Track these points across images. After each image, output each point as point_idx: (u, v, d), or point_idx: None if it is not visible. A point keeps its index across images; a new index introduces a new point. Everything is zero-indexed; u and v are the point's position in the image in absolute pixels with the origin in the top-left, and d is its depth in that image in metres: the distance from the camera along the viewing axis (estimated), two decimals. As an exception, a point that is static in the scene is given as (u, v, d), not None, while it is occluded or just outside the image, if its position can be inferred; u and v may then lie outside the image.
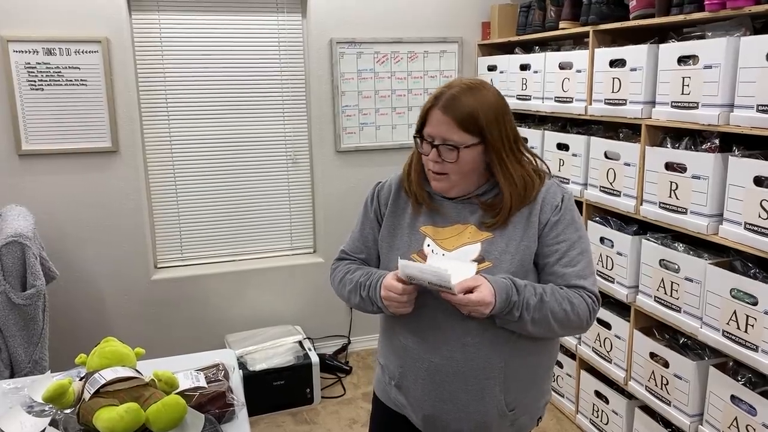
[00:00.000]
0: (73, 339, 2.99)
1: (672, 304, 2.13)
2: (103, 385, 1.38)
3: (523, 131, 2.96)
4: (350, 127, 3.25)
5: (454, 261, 1.32)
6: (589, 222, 2.52)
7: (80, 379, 1.45)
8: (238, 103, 3.16)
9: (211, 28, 3.04)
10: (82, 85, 2.84)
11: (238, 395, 1.67)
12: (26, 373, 2.15)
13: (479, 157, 1.33)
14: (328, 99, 3.20)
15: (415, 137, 1.37)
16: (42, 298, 2.21)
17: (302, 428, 2.80)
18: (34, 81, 2.78)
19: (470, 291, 1.23)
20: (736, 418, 1.90)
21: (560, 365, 2.84)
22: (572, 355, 2.75)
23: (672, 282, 2.11)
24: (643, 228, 2.33)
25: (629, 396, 2.42)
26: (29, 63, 2.75)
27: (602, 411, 2.57)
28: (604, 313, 2.49)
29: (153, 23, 2.97)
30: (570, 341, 2.71)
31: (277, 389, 2.92)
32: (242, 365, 2.90)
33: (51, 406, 1.41)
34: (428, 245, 1.38)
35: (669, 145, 2.14)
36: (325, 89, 3.18)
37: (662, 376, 2.19)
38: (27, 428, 1.37)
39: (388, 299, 1.32)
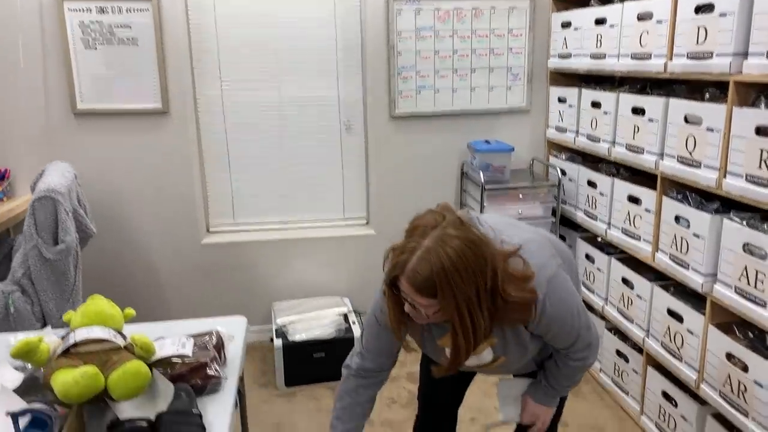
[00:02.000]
0: (126, 299, 3.02)
1: (756, 297, 1.77)
2: (74, 345, 1.30)
3: (597, 95, 2.62)
4: (406, 90, 3.03)
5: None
6: (664, 198, 2.18)
7: (62, 338, 1.38)
8: (292, 65, 3.03)
9: (264, -15, 2.92)
10: (134, 44, 2.81)
11: (233, 365, 1.55)
12: (58, 328, 2.16)
13: None
14: (382, 60, 2.99)
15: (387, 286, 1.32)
16: (73, 254, 2.20)
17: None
18: (88, 40, 2.78)
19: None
20: (827, 440, 1.55)
21: (626, 360, 2.52)
22: (639, 349, 2.42)
23: (757, 271, 1.76)
24: (727, 206, 1.96)
25: (701, 401, 2.09)
26: (83, 22, 2.76)
27: (670, 415, 2.24)
28: (676, 304, 2.15)
29: (205, -19, 2.90)
30: (637, 333, 2.39)
31: (317, 361, 2.81)
32: (283, 334, 2.82)
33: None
34: (448, 352, 1.41)
35: (763, 106, 1.77)
36: (380, 49, 2.98)
37: (740, 382, 1.85)
38: (4, 381, 1.31)
39: None
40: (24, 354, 1.28)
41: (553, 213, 2.93)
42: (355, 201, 3.26)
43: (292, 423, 2.56)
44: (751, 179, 1.76)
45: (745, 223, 1.83)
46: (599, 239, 2.77)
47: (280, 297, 3.20)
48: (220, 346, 1.53)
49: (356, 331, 2.84)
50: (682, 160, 2.08)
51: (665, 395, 2.26)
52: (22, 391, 1.29)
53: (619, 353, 2.58)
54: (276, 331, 2.85)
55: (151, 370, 1.37)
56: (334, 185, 3.23)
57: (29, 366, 1.41)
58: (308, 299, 3.16)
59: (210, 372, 1.41)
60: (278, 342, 2.78)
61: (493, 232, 1.33)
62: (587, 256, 2.79)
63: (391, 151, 3.11)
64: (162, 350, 1.44)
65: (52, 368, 1.23)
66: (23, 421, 1.13)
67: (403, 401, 2.66)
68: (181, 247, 3.09)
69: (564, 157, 3.03)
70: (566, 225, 3.03)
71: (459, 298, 1.22)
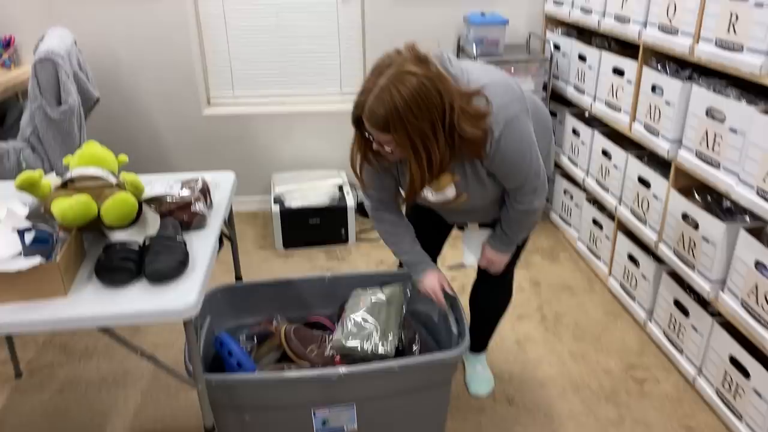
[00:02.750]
0: (132, 166, 3.20)
1: (713, 160, 1.87)
2: (71, 181, 1.46)
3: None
4: (402, -41, 2.99)
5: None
6: (645, 68, 2.22)
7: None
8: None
9: None
10: None
11: (219, 209, 1.71)
12: (67, 184, 2.34)
13: None
14: (379, -74, 2.93)
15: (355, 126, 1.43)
16: (76, 115, 2.34)
17: (332, 263, 2.90)
18: None
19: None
20: (756, 285, 1.70)
21: (600, 227, 2.67)
22: (612, 217, 2.56)
23: (716, 134, 1.84)
24: (704, 75, 2.01)
25: (660, 261, 2.24)
26: None
27: (632, 274, 2.41)
28: (646, 172, 2.26)
29: None
30: (611, 201, 2.52)
31: (312, 227, 3.00)
32: (281, 201, 2.99)
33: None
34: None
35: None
36: None
37: (691, 239, 1.99)
38: (16, 212, 1.49)
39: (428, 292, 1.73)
40: (27, 186, 1.44)
41: (545, 88, 2.97)
42: (352, 77, 3.31)
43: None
44: (720, 44, 1.80)
45: (712, 88, 1.89)
46: (586, 114, 2.83)
47: (280, 169, 3.35)
48: (205, 191, 1.68)
49: (349, 201, 3.01)
50: (662, 28, 2.09)
51: (630, 257, 2.42)
52: (29, 218, 1.47)
53: (595, 222, 2.72)
54: (274, 198, 3.03)
55: (141, 206, 1.55)
56: (332, 59, 3.27)
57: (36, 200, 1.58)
58: (306, 171, 3.31)
59: (194, 210, 1.57)
60: (276, 208, 2.96)
61: (462, 72, 1.41)
62: (574, 131, 2.86)
63: (388, 24, 3.12)
64: (152, 190, 1.61)
65: (51, 198, 1.40)
66: (28, 238, 1.31)
67: (391, 262, 2.87)
68: (184, 118, 3.22)
69: (560, 32, 3.02)
70: (557, 101, 3.08)
71: (412, 133, 1.32)
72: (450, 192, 1.57)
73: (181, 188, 1.64)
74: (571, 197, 2.99)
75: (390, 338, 1.67)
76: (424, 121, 1.31)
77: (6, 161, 2.29)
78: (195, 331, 1.58)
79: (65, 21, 2.92)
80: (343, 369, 1.53)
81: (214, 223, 1.64)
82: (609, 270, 2.62)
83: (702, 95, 1.90)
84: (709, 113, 1.87)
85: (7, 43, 2.89)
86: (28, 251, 1.30)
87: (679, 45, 1.99)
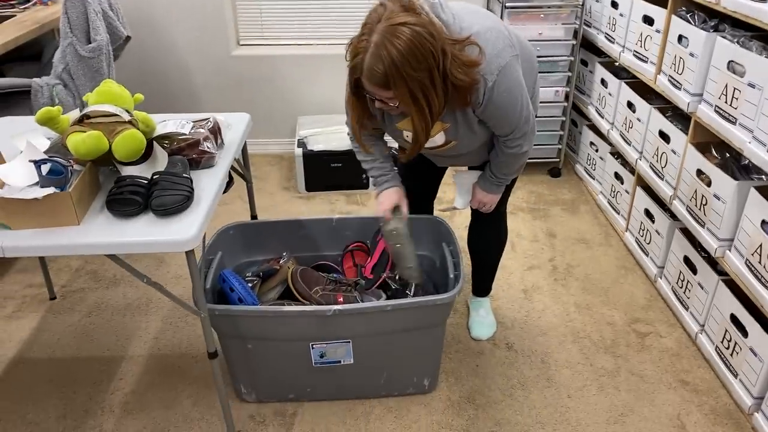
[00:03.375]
0: (161, 100, 3.30)
1: (730, 115, 1.81)
2: (87, 117, 1.54)
3: None
4: None
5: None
6: (673, 17, 2.13)
7: (80, 113, 1.62)
8: None
9: None
10: None
11: (230, 149, 1.77)
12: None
13: None
14: None
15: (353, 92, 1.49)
16: (105, 53, 2.41)
17: (351, 207, 2.96)
18: None
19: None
20: (761, 245, 1.68)
21: (621, 181, 2.64)
22: (632, 170, 2.52)
23: (735, 89, 1.78)
24: (735, 27, 1.94)
25: (674, 217, 2.22)
26: None
27: (647, 230, 2.39)
28: (667, 126, 2.20)
29: None
30: (632, 155, 2.47)
31: (334, 170, 3.05)
32: (304, 145, 3.05)
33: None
34: (407, 135, 1.60)
35: None
36: None
37: (703, 196, 1.96)
38: (35, 144, 1.58)
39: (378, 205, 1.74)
40: (46, 120, 1.53)
41: (575, 36, 2.88)
42: (381, 19, 3.28)
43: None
44: (747, -7, 1.72)
45: (736, 41, 1.81)
46: (617, 64, 2.75)
47: (305, 112, 3.39)
48: (216, 131, 1.75)
49: (372, 144, 3.03)
50: (693, -25, 2.01)
51: (647, 212, 2.40)
52: (48, 152, 1.57)
53: (616, 175, 2.68)
54: (298, 141, 3.08)
55: (152, 143, 1.62)
56: (360, 3, 3.24)
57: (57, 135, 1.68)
58: (330, 115, 3.34)
59: (202, 148, 1.64)
60: (299, 151, 3.02)
61: (454, 18, 1.41)
62: (602, 81, 2.79)
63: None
64: (164, 129, 1.68)
65: (68, 133, 1.48)
66: (45, 169, 1.41)
67: (409, 208, 2.91)
68: (213, 58, 3.27)
69: (596, -24, 2.90)
70: (588, 49, 2.99)
71: (413, 86, 1.33)
72: (439, 139, 1.59)
73: (192, 127, 1.71)
74: (597, 149, 2.95)
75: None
76: (422, 71, 1.32)
77: (40, 96, 2.40)
78: (207, 264, 1.70)
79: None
80: (337, 307, 1.60)
81: (223, 162, 1.71)
82: (626, 225, 2.60)
83: (725, 47, 1.83)
84: (730, 66, 1.81)
85: (44, -19, 2.97)
86: (44, 182, 1.40)
87: (707, -7, 1.91)
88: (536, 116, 1.65)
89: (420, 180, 1.91)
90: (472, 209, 1.89)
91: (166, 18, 3.17)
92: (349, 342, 1.69)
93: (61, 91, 2.41)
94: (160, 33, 3.20)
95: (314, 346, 1.69)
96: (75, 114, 1.61)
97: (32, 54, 2.89)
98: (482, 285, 2.13)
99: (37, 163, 1.40)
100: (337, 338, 1.68)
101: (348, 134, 1.74)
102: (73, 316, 2.24)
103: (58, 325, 2.19)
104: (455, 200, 1.84)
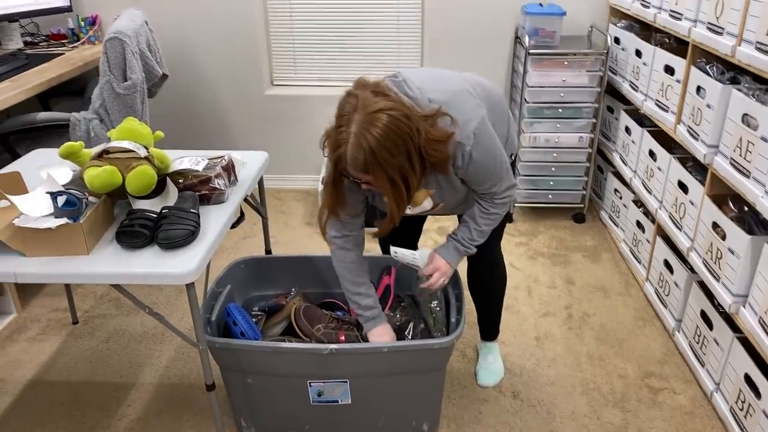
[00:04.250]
0: (194, 137, 3.44)
1: (744, 168, 1.78)
2: (105, 152, 1.62)
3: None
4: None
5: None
6: (692, 68, 2.12)
7: (103, 148, 1.71)
8: None
9: None
10: None
11: (242, 186, 1.84)
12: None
13: None
14: None
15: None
16: (139, 91, 2.54)
17: (370, 245, 2.98)
18: None
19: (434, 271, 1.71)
20: (773, 304, 1.63)
21: (643, 230, 2.59)
22: (653, 219, 2.48)
23: (749, 142, 1.75)
24: (753, 80, 1.91)
25: (691, 269, 2.16)
26: None
27: (666, 281, 2.34)
28: (686, 176, 2.17)
29: None
30: (653, 204, 2.43)
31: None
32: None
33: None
34: None
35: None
36: None
37: (718, 249, 1.91)
38: (57, 177, 1.68)
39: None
40: (68, 154, 1.62)
41: (601, 83, 2.88)
42: (410, 62, 3.36)
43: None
44: (759, 46, 1.70)
45: (751, 94, 1.79)
46: (641, 112, 2.73)
47: (334, 149, 3.46)
48: (229, 168, 1.81)
49: (394, 183, 3.08)
50: (710, 27, 2.00)
51: (666, 263, 2.34)
52: (70, 184, 1.66)
53: (638, 224, 2.64)
54: (322, 178, 3.15)
55: (165, 179, 1.70)
56: (390, 45, 3.33)
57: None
58: (358, 153, 3.40)
59: (213, 185, 1.71)
60: (321, 187, 3.08)
61: (420, 92, 1.46)
62: (626, 128, 2.78)
63: (447, 10, 3.14)
64: (180, 165, 1.76)
65: (86, 167, 1.57)
66: (60, 200, 1.49)
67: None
68: (247, 96, 3.39)
69: (622, 25, 2.92)
70: (614, 96, 2.98)
71: (390, 170, 1.37)
72: (427, 204, 1.65)
73: (207, 165, 1.78)
74: (620, 196, 2.91)
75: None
76: (400, 155, 1.36)
77: (77, 130, 2.54)
78: (215, 296, 1.75)
79: (144, 2, 3.15)
80: (333, 346, 1.62)
81: (234, 199, 1.77)
82: (647, 274, 2.54)
83: (740, 100, 1.81)
84: (745, 119, 1.78)
85: (93, 21, 3.17)
86: (58, 212, 1.48)
87: (723, 45, 1.90)
88: (518, 157, 1.67)
89: (402, 225, 1.91)
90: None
91: (204, 58, 3.33)
92: (346, 382, 1.70)
93: (96, 126, 2.55)
94: (198, 72, 3.36)
95: (312, 384, 1.70)
96: (97, 149, 1.71)
97: (77, 89, 3.07)
98: (488, 329, 2.11)
99: (53, 195, 1.48)
100: (334, 377, 1.69)
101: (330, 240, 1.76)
102: (92, 341, 2.32)
103: (76, 350, 2.27)
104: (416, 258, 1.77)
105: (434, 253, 1.74)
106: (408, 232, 2.06)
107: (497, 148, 1.54)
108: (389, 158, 1.35)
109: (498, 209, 1.66)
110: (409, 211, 1.66)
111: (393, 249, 1.78)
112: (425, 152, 1.40)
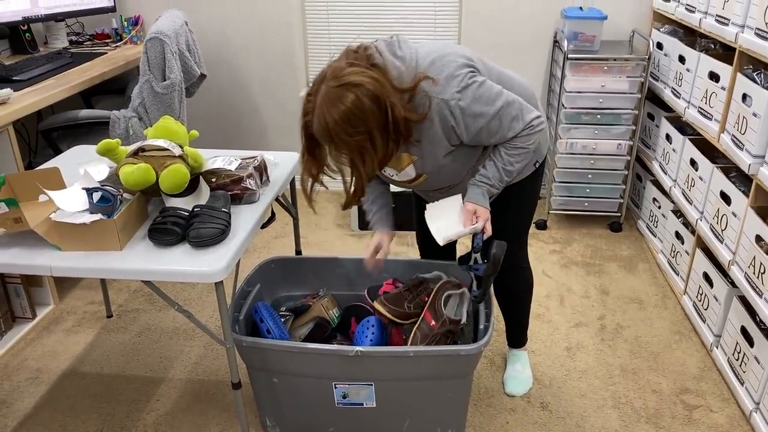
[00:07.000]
0: (233, 138, 3.48)
1: (792, 179, 1.71)
2: (141, 150, 1.65)
3: None
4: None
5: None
6: (738, 75, 2.05)
7: (140, 146, 1.74)
8: None
9: None
10: None
11: (274, 186, 1.85)
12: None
13: None
14: None
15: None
16: (177, 90, 2.59)
17: (400, 249, 2.97)
18: None
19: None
20: (819, 323, 1.55)
21: (682, 241, 2.51)
22: (693, 231, 2.40)
23: (797, 152, 1.68)
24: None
25: (732, 283, 2.08)
26: None
27: (705, 295, 2.26)
28: (729, 187, 2.10)
29: None
30: (693, 215, 2.36)
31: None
32: (361, 184, 3.11)
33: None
34: (391, 174, 1.65)
35: None
36: None
37: (761, 264, 1.83)
38: (96, 172, 1.72)
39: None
40: (105, 151, 1.65)
41: (641, 89, 2.81)
42: (446, 65, 3.34)
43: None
44: (811, 53, 1.63)
45: (801, 102, 1.72)
46: (683, 120, 2.65)
47: (367, 151, 3.46)
48: (262, 168, 1.83)
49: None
50: (758, 33, 1.93)
51: (705, 276, 2.27)
52: (106, 181, 1.69)
53: (677, 235, 2.56)
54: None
55: (198, 178, 1.72)
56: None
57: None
58: (391, 156, 3.39)
59: (245, 184, 1.72)
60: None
61: (411, 53, 1.46)
62: (667, 136, 2.70)
63: (485, 12, 3.10)
64: (213, 164, 1.77)
65: (122, 164, 1.60)
66: (96, 196, 1.52)
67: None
68: (283, 98, 3.42)
69: (665, 30, 2.84)
70: (656, 103, 2.91)
71: (347, 148, 1.38)
72: (410, 171, 1.60)
73: (239, 164, 1.80)
74: (659, 206, 2.83)
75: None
76: (358, 135, 1.36)
77: (117, 127, 2.60)
78: (244, 295, 1.77)
79: (185, 3, 3.21)
80: (359, 348, 1.61)
81: (265, 199, 1.78)
82: (685, 287, 2.47)
83: (788, 109, 1.74)
84: (793, 129, 1.71)
85: (136, 22, 3.24)
86: (93, 208, 1.51)
87: (771, 52, 1.83)
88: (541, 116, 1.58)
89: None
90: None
91: (241, 59, 3.37)
92: (371, 384, 1.69)
93: (135, 124, 2.60)
94: (235, 73, 3.40)
95: (337, 385, 1.70)
96: (133, 146, 1.74)
97: (119, 88, 3.14)
98: (515, 335, 2.07)
99: (89, 191, 1.51)
100: (359, 380, 1.68)
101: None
102: (125, 335, 2.36)
103: (109, 343, 2.31)
104: (436, 234, 1.62)
105: (467, 203, 1.59)
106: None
107: (495, 93, 1.48)
108: (346, 138, 1.35)
109: (524, 142, 1.54)
110: (395, 177, 1.65)
111: (430, 223, 1.64)
112: (395, 128, 1.39)
